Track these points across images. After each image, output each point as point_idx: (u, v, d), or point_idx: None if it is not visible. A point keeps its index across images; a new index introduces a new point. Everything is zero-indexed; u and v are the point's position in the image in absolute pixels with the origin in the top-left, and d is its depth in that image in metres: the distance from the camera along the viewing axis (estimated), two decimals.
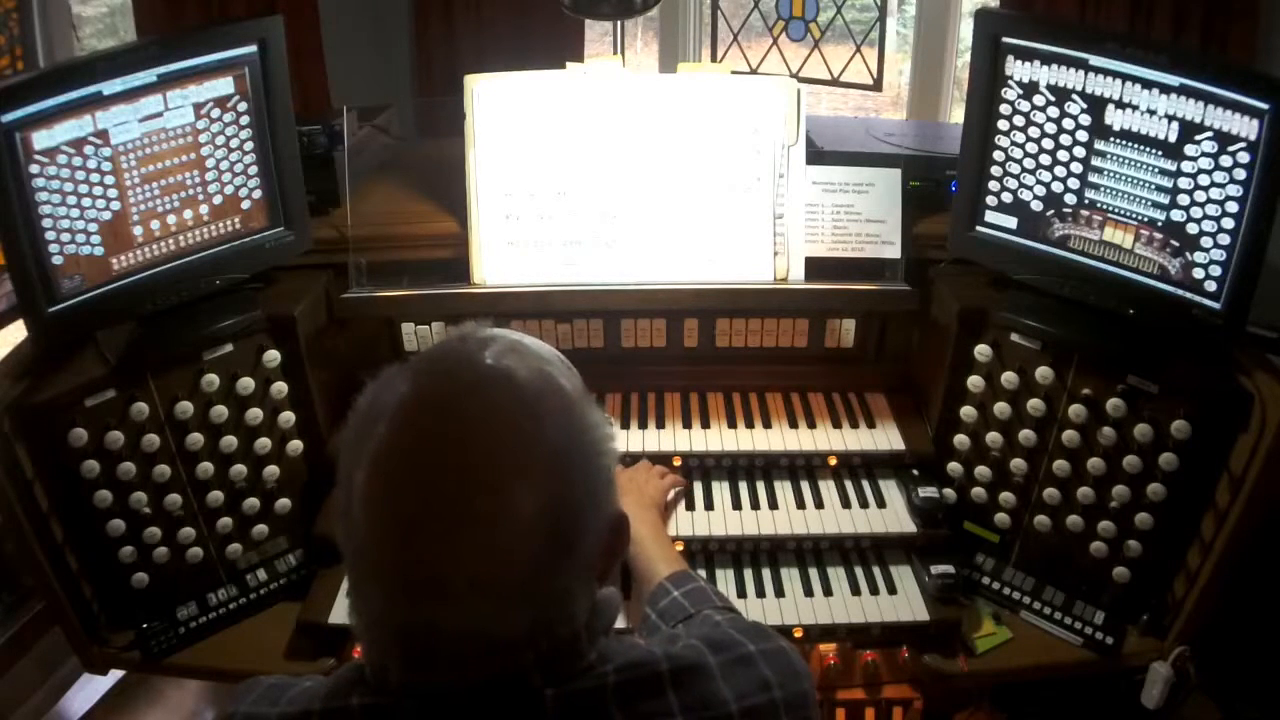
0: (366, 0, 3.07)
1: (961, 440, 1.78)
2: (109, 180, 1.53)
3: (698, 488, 1.83)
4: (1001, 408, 1.71)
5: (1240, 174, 1.45)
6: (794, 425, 1.89)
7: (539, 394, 0.84)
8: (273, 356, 1.71)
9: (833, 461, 1.86)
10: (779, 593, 1.71)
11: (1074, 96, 1.58)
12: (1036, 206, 1.68)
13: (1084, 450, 1.65)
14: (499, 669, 0.81)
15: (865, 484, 1.83)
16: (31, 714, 2.31)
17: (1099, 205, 1.61)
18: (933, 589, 1.68)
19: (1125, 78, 1.52)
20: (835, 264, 1.86)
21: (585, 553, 0.84)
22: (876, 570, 1.75)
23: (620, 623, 0.99)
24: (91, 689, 2.39)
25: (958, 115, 2.60)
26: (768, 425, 1.89)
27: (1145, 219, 1.57)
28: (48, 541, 1.57)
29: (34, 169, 1.44)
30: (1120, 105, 1.54)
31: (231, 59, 1.60)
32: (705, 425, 1.88)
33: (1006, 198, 1.70)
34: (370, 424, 0.82)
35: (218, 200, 1.66)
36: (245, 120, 1.65)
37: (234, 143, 1.65)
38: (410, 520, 0.79)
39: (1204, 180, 1.49)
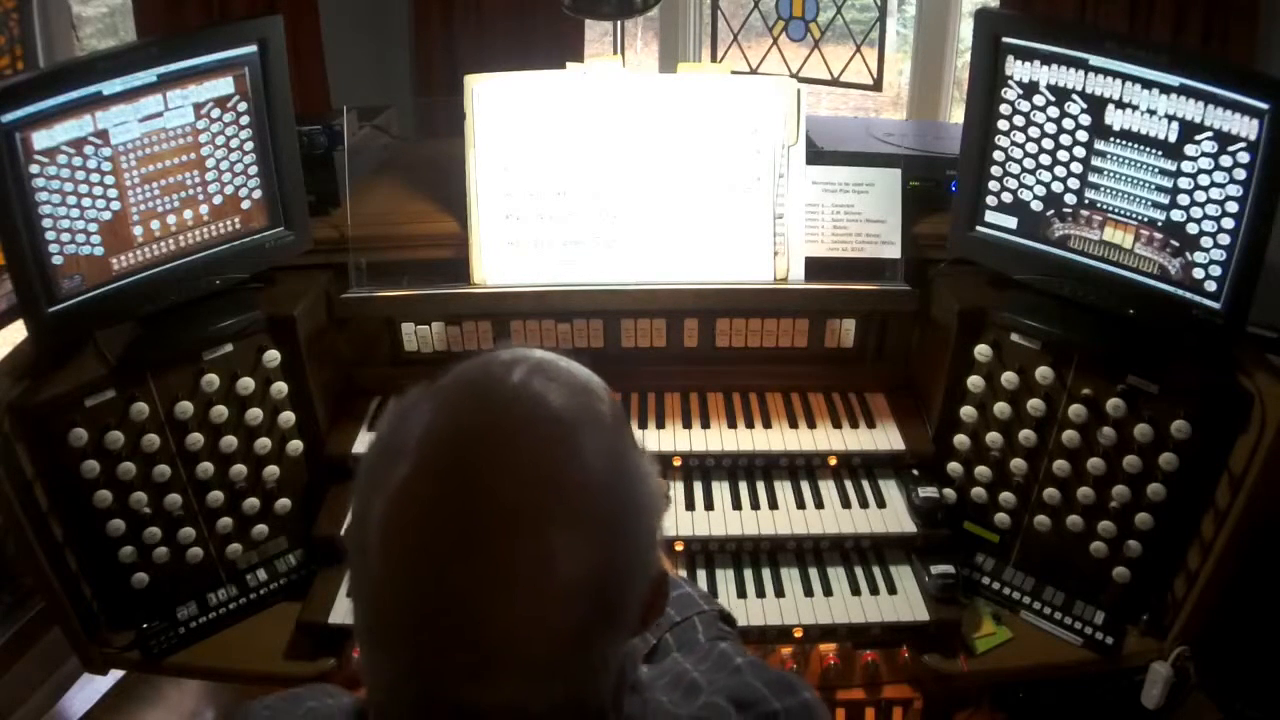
0: (366, 0, 3.07)
1: (961, 440, 1.78)
2: (109, 180, 1.53)
3: (698, 488, 1.83)
4: (1001, 408, 1.71)
5: (1240, 174, 1.45)
6: (794, 425, 1.89)
7: (581, 430, 0.74)
8: (273, 356, 1.71)
9: (833, 461, 1.86)
10: (779, 593, 1.71)
11: (1074, 96, 1.58)
12: (1036, 206, 1.68)
13: (1084, 450, 1.65)
14: None
15: (865, 484, 1.83)
16: (31, 714, 2.31)
17: (1099, 205, 1.61)
18: (933, 589, 1.68)
19: (1125, 78, 1.52)
20: (835, 264, 1.86)
21: (627, 618, 0.76)
22: (876, 570, 1.75)
23: None
24: (91, 689, 2.39)
25: (958, 115, 2.60)
26: (768, 425, 1.89)
27: (1145, 219, 1.57)
28: (48, 541, 1.57)
29: (34, 169, 1.44)
30: (1120, 105, 1.54)
31: (231, 59, 1.60)
32: (705, 425, 1.88)
33: (1006, 198, 1.70)
34: (391, 458, 0.72)
35: (218, 200, 1.66)
36: (245, 120, 1.65)
37: (234, 143, 1.65)
38: (436, 572, 0.68)
39: (1204, 180, 1.49)
